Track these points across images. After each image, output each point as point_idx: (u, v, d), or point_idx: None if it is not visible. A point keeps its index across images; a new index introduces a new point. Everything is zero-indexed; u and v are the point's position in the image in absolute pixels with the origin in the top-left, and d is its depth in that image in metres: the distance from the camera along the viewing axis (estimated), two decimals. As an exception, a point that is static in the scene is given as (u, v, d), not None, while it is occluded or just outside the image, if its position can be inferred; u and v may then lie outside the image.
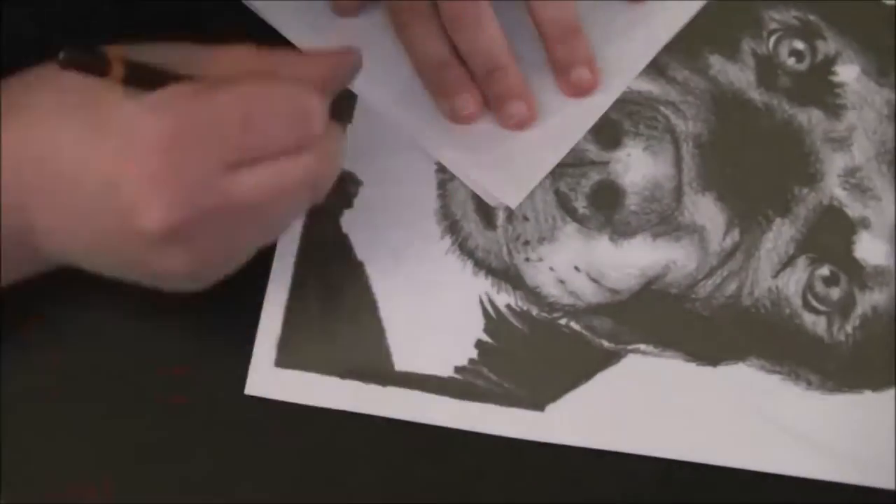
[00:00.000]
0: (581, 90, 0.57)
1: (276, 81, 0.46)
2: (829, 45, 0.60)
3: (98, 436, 0.53)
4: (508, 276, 0.56)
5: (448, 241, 0.57)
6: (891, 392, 0.55)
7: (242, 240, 0.47)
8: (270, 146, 0.45)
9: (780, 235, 0.57)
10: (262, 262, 0.54)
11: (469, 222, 0.57)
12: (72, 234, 0.46)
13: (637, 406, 0.55)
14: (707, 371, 0.55)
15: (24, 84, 0.46)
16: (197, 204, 0.43)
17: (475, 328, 0.55)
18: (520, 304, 0.56)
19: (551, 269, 0.56)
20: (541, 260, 0.56)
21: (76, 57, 0.42)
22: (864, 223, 0.57)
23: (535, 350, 0.55)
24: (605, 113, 0.58)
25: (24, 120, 0.44)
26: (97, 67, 0.43)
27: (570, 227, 0.57)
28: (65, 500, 0.52)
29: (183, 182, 0.43)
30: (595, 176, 0.57)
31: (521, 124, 0.57)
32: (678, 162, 0.58)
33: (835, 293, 0.56)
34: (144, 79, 0.44)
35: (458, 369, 0.54)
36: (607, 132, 0.58)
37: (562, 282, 0.56)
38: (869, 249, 0.57)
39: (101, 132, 0.43)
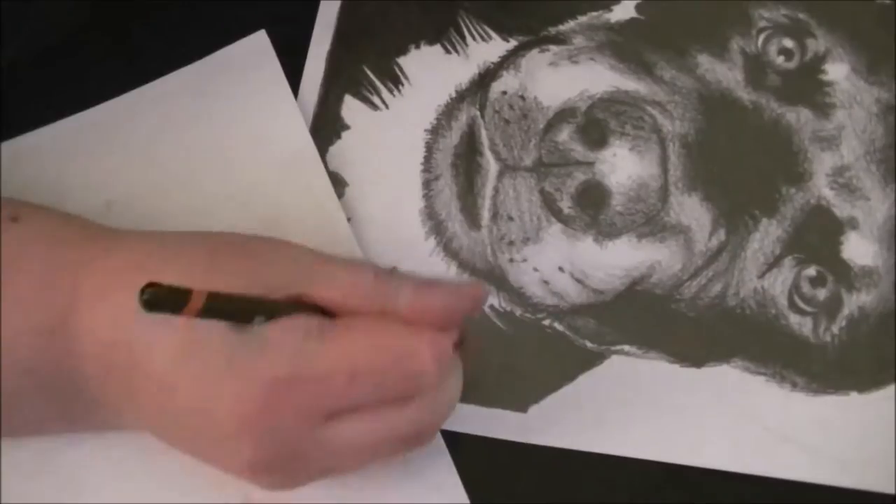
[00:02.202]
0: None
1: (390, 333, 0.44)
2: (818, 43, 0.60)
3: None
4: (493, 276, 0.56)
5: (433, 241, 0.57)
6: (876, 393, 0.55)
7: (327, 474, 0.47)
8: (374, 398, 0.44)
9: (766, 236, 0.57)
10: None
11: (454, 222, 0.57)
12: (152, 427, 0.47)
13: (620, 407, 0.54)
14: (691, 372, 0.55)
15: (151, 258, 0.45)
16: (289, 448, 0.43)
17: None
18: (503, 304, 0.56)
19: (535, 269, 0.56)
20: (525, 260, 0.56)
21: (158, 296, 0.39)
22: (852, 223, 0.57)
23: (519, 351, 0.55)
24: (592, 112, 0.58)
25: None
26: (178, 304, 0.40)
27: (555, 228, 0.57)
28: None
29: (277, 428, 0.43)
30: (580, 176, 0.57)
31: None
32: (664, 162, 0.57)
33: (821, 294, 0.56)
34: (222, 312, 0.42)
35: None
36: (593, 132, 0.58)
37: (546, 282, 0.56)
38: (857, 250, 0.56)
39: (199, 359, 0.43)
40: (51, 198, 0.52)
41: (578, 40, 0.60)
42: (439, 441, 0.53)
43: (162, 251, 0.46)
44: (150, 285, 0.38)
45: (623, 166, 0.57)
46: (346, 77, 0.59)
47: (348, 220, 0.57)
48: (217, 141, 0.58)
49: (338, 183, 0.57)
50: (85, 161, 0.57)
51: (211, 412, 0.43)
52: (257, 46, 0.59)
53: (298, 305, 0.45)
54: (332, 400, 0.43)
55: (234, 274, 0.44)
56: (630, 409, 0.54)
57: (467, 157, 0.57)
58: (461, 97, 0.59)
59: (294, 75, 0.59)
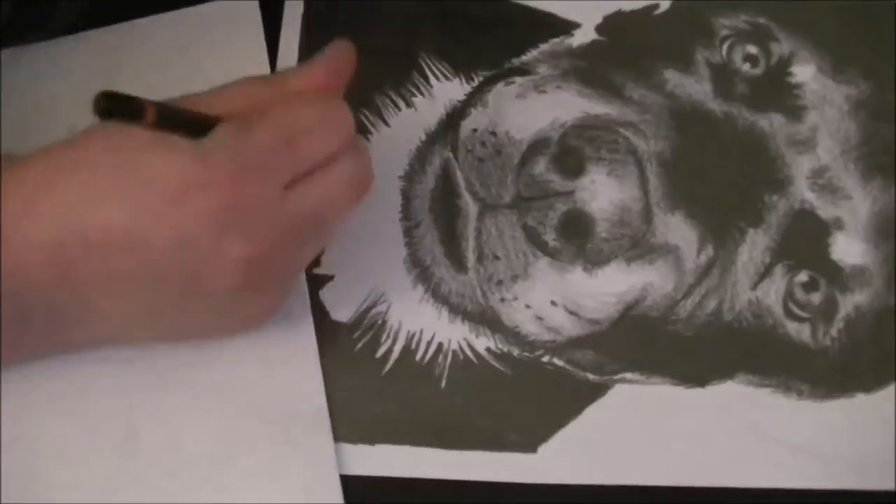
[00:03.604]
0: None
1: (301, 100, 0.47)
2: (782, 46, 0.59)
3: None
4: (485, 318, 0.55)
5: (421, 289, 0.56)
6: (882, 392, 0.54)
7: (307, 251, 0.49)
8: (316, 157, 0.47)
9: (754, 246, 0.56)
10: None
11: (440, 268, 0.56)
12: (131, 304, 0.47)
13: (630, 436, 0.54)
14: (696, 393, 0.54)
15: (72, 147, 0.46)
16: (269, 237, 0.46)
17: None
18: (500, 346, 0.55)
19: (527, 306, 0.55)
20: (516, 298, 0.55)
21: (111, 102, 0.41)
22: (838, 224, 0.57)
23: (521, 391, 0.54)
24: (565, 141, 0.57)
25: (70, 189, 0.44)
26: (131, 112, 0.42)
27: (543, 262, 0.56)
28: None
29: (253, 222, 0.45)
30: (562, 206, 0.56)
31: None
32: (644, 183, 0.57)
33: (815, 298, 0.56)
34: (175, 122, 0.44)
35: (444, 420, 0.53)
36: (569, 160, 0.57)
37: (539, 318, 0.55)
38: (845, 250, 0.56)
39: (155, 191, 0.44)
40: (15, 120, 0.52)
41: (543, 69, 0.59)
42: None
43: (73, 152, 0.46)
44: (106, 94, 0.40)
45: (603, 192, 0.57)
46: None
47: (331, 277, 0.56)
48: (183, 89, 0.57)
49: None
50: (52, 85, 0.57)
51: (189, 235, 0.44)
52: (245, 10, 0.59)
53: None
54: (284, 173, 0.46)
55: None
56: (640, 436, 0.54)
57: (445, 200, 0.57)
58: (432, 140, 0.58)
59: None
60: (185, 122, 0.45)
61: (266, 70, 0.59)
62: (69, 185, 0.44)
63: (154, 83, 0.55)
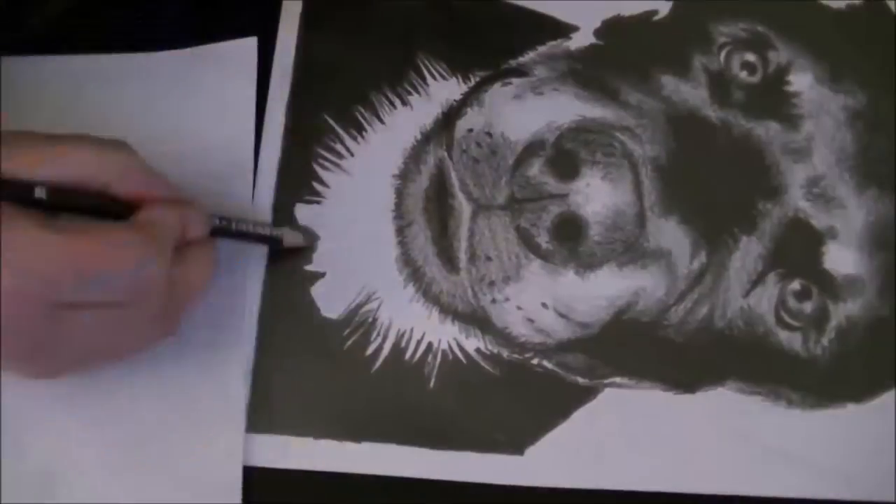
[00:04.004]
0: None
1: (117, 240, 0.46)
2: (780, 54, 0.59)
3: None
4: (476, 319, 0.55)
5: (412, 288, 0.55)
6: (871, 403, 0.54)
7: (91, 357, 0.49)
8: (106, 298, 0.46)
9: (747, 253, 0.56)
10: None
11: (431, 267, 0.56)
12: None
13: (618, 441, 0.54)
14: (686, 399, 0.54)
15: None
16: (33, 335, 0.45)
17: (446, 378, 0.54)
18: (489, 347, 0.55)
19: (519, 307, 0.55)
20: (507, 300, 0.55)
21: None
22: (832, 233, 0.56)
23: (510, 393, 0.54)
24: (561, 143, 0.57)
25: None
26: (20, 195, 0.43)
27: (535, 264, 0.56)
28: None
29: (18, 318, 0.44)
30: (555, 209, 0.56)
31: None
32: (638, 187, 0.57)
33: (807, 307, 0.55)
34: (72, 206, 0.45)
35: (432, 420, 0.53)
36: (564, 163, 0.57)
37: (530, 320, 0.55)
38: (838, 259, 0.56)
39: None
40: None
41: (540, 71, 0.59)
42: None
43: None
44: None
45: (597, 195, 0.56)
46: (307, 127, 0.58)
47: (322, 274, 0.56)
48: (171, 129, 0.57)
49: (310, 236, 0.56)
50: (49, 111, 0.57)
51: None
52: (243, 51, 0.59)
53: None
54: (64, 295, 0.44)
55: None
56: (628, 441, 0.54)
57: (439, 199, 0.56)
58: (427, 139, 0.58)
59: (256, 127, 0.58)
60: (82, 207, 0.45)
61: (251, 113, 0.58)
62: None
63: (146, 120, 0.57)
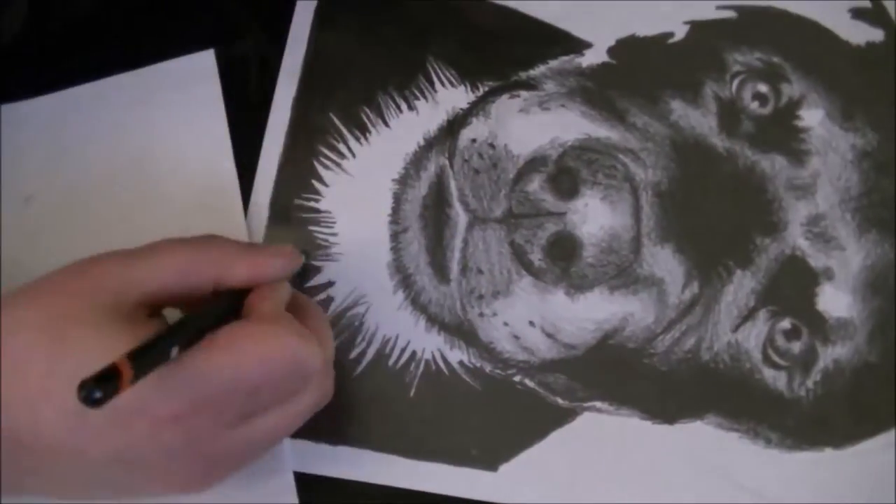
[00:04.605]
0: None
1: (279, 342, 0.44)
2: (793, 87, 0.59)
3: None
4: (462, 331, 0.55)
5: (401, 295, 0.56)
6: (851, 449, 0.54)
7: (259, 456, 0.48)
8: (276, 400, 0.46)
9: (740, 287, 0.56)
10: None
11: (422, 276, 0.56)
12: (66, 492, 0.45)
13: (592, 465, 0.54)
14: (664, 429, 0.54)
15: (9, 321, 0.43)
16: (211, 458, 0.45)
17: (423, 392, 0.54)
18: (473, 360, 0.55)
19: (506, 323, 0.55)
20: (495, 315, 0.55)
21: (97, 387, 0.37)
22: (828, 274, 0.56)
23: (489, 408, 0.54)
24: (563, 161, 0.57)
25: (6, 377, 0.42)
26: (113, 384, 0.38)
27: (526, 281, 0.56)
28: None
29: (199, 448, 0.44)
30: (551, 227, 0.56)
31: None
32: (637, 212, 0.56)
33: (796, 347, 0.55)
34: (149, 361, 0.41)
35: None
36: (564, 181, 0.57)
37: (516, 337, 0.55)
38: (832, 301, 0.56)
39: (94, 415, 0.40)
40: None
41: (549, 86, 0.59)
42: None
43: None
44: (84, 384, 0.36)
45: (595, 216, 0.56)
46: (312, 125, 0.58)
47: (320, 269, 0.56)
48: (144, 152, 0.57)
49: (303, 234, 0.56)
50: (10, 153, 0.57)
51: (131, 454, 0.43)
52: (202, 65, 0.58)
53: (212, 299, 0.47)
54: (237, 412, 0.44)
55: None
56: (602, 467, 0.54)
57: (436, 208, 0.56)
58: (430, 145, 0.58)
59: (260, 124, 0.58)
60: (158, 354, 0.41)
61: (222, 125, 0.58)
62: (5, 373, 0.42)
63: (112, 145, 0.57)
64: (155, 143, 0.57)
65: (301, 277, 0.55)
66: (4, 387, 0.42)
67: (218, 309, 0.46)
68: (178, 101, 0.58)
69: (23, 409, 0.42)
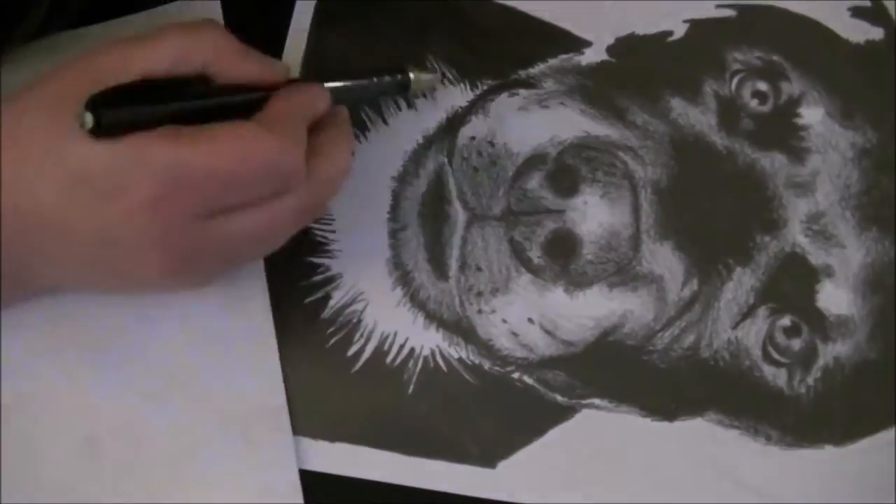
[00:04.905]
0: None
1: (254, 137, 0.46)
2: (793, 86, 0.59)
3: None
4: (460, 328, 0.55)
5: (400, 292, 0.56)
6: (851, 447, 0.54)
7: (239, 258, 0.51)
8: (251, 198, 0.47)
9: (740, 285, 0.56)
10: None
11: (421, 273, 0.56)
12: (68, 271, 0.49)
13: (591, 462, 0.53)
14: (663, 426, 0.54)
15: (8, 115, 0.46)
16: (189, 248, 0.46)
17: (422, 385, 0.54)
18: (471, 357, 0.55)
19: (504, 321, 0.55)
20: (494, 312, 0.55)
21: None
22: (828, 271, 0.56)
23: (487, 405, 0.54)
24: (562, 159, 0.57)
25: (7, 163, 0.45)
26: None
27: (525, 278, 0.55)
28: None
29: (174, 234, 0.45)
30: (550, 224, 0.56)
31: None
32: (636, 209, 0.56)
33: (796, 344, 0.55)
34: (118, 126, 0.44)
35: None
36: (564, 179, 0.57)
37: (515, 334, 0.55)
38: (832, 299, 0.56)
39: (84, 183, 0.44)
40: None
41: (549, 84, 0.59)
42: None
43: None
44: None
45: (594, 214, 0.56)
46: (311, 123, 0.58)
47: (319, 266, 0.56)
48: None
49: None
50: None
51: (111, 234, 0.45)
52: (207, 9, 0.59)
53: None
54: (210, 203, 0.46)
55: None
56: (601, 464, 0.53)
57: (435, 205, 0.56)
58: (429, 143, 0.58)
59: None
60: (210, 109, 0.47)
61: None
62: (6, 160, 0.45)
63: None
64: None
65: None
66: (7, 166, 0.45)
67: (225, 102, 0.48)
68: None
69: (24, 187, 0.45)
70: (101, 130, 0.43)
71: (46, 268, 0.48)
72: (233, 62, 0.48)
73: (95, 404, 0.52)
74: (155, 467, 0.51)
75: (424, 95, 0.57)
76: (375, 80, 0.55)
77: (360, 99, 0.56)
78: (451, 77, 0.59)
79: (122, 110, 0.44)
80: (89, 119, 0.43)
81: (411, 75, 0.56)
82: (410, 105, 0.58)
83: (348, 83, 0.54)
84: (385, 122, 0.58)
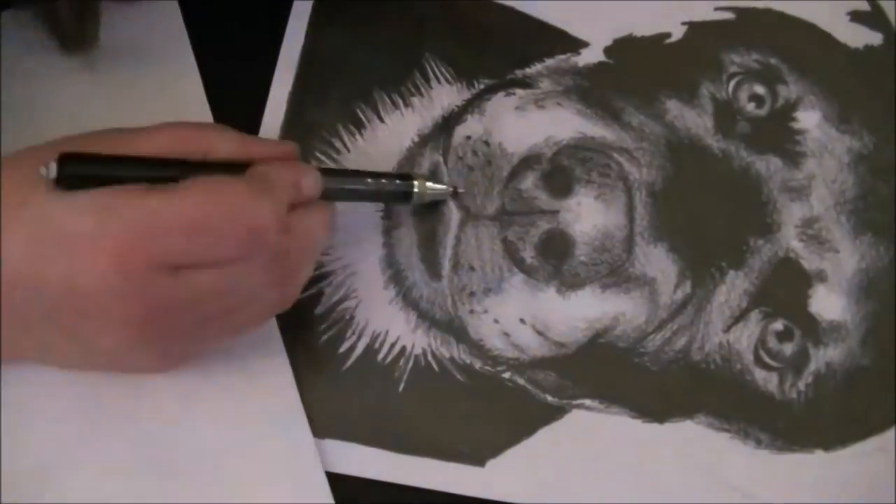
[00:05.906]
0: None
1: (229, 190, 0.46)
2: (790, 89, 0.58)
3: None
4: (452, 328, 0.55)
5: (392, 290, 0.56)
6: (841, 452, 0.54)
7: (207, 331, 0.48)
8: (220, 253, 0.46)
9: (733, 288, 0.55)
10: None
11: (414, 272, 0.56)
12: (29, 337, 0.47)
13: (580, 463, 0.53)
14: (654, 428, 0.54)
15: None
16: (151, 307, 0.45)
17: (412, 383, 0.54)
18: (463, 357, 0.55)
19: (496, 321, 0.55)
20: (486, 312, 0.55)
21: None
22: (821, 276, 0.56)
23: (478, 405, 0.54)
24: (557, 159, 0.57)
25: None
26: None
27: (517, 279, 0.55)
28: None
29: (137, 289, 0.45)
30: (544, 225, 0.56)
31: None
32: (630, 211, 0.56)
33: (788, 349, 0.55)
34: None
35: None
36: (558, 179, 0.57)
37: (506, 334, 0.55)
38: (825, 304, 0.55)
39: (47, 241, 0.44)
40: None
41: (545, 84, 0.59)
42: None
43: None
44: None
45: (588, 215, 0.56)
46: (307, 120, 0.58)
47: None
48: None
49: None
50: None
51: (78, 285, 0.44)
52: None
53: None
54: (177, 252, 0.45)
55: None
56: (590, 465, 0.53)
57: (429, 204, 0.56)
58: (424, 141, 0.58)
59: (255, 117, 0.58)
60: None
61: (193, 68, 0.58)
62: None
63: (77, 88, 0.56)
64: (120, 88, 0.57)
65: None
66: None
67: (207, 164, 0.47)
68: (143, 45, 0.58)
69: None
70: (66, 181, 0.44)
71: (14, 331, 0.47)
72: (237, 149, 0.48)
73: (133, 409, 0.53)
74: (189, 470, 0.52)
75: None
76: (376, 181, 0.54)
77: (357, 197, 0.54)
78: (447, 76, 0.59)
79: (89, 164, 0.45)
80: (53, 169, 0.44)
81: (415, 183, 0.54)
82: (407, 103, 0.58)
83: (346, 181, 0.53)
84: (381, 119, 0.58)
